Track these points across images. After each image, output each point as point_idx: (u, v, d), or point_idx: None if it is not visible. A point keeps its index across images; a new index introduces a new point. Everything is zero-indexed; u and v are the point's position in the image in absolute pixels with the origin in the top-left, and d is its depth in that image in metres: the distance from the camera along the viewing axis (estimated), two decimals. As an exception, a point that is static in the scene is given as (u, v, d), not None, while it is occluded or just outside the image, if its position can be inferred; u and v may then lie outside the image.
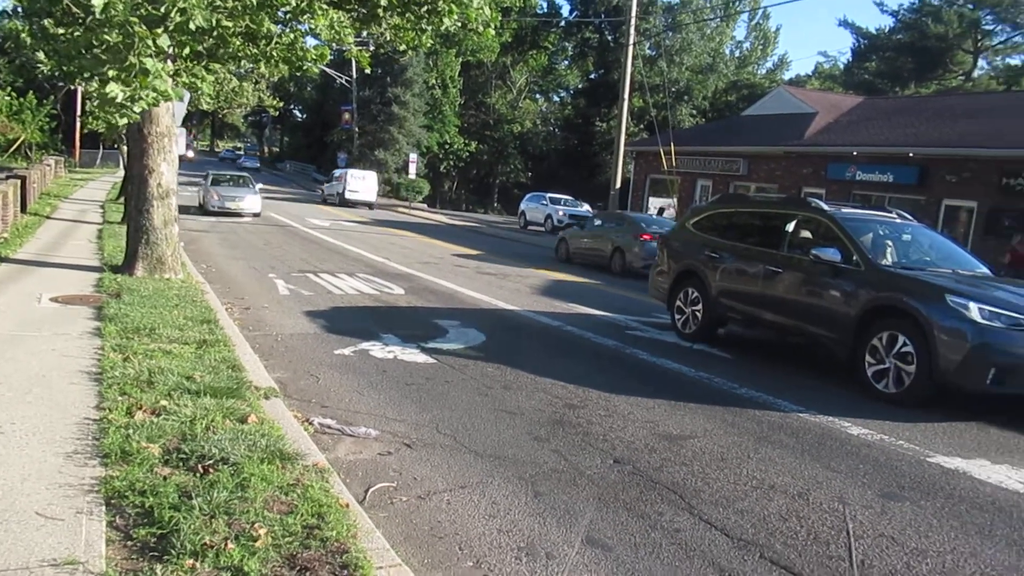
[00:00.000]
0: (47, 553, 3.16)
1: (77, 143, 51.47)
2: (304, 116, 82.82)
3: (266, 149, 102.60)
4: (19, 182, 17.16)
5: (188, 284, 10.21)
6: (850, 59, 58.72)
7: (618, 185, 25.10)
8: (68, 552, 3.18)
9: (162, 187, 10.61)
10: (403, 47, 12.20)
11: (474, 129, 59.68)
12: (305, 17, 10.33)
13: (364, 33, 14.16)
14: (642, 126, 51.33)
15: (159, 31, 8.11)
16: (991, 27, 49.08)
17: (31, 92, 46.11)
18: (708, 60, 56.72)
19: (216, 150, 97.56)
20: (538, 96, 67.52)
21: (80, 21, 9.30)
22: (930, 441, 6.10)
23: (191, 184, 32.98)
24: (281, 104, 57.24)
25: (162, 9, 8.13)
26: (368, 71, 16.43)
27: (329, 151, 60.03)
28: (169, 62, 9.72)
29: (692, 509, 4.51)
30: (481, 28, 10.85)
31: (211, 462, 4.11)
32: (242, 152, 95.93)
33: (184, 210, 20.16)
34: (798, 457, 5.54)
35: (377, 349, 8.16)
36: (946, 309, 6.85)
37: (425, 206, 48.89)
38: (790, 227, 8.86)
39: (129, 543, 3.32)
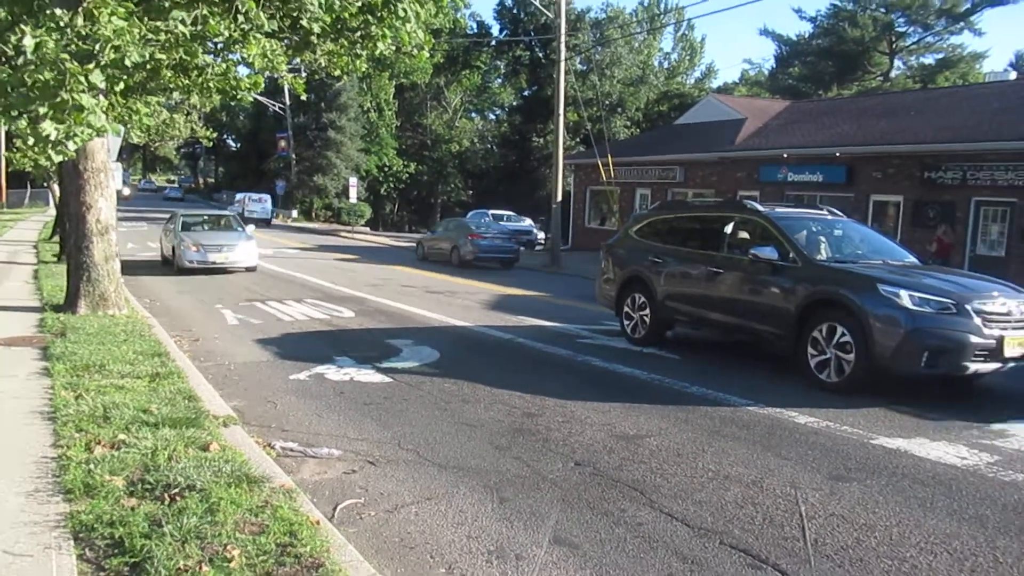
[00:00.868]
0: (20, 589, 3.16)
1: (2, 183, 49.99)
2: (239, 145, 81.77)
3: (201, 180, 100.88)
4: (-53, 226, 16.67)
5: (134, 319, 10.06)
6: (774, 65, 60.55)
7: (559, 199, 25.42)
8: (41, 587, 3.18)
9: (101, 223, 10.46)
10: (337, 72, 12.27)
11: (412, 150, 59.73)
12: (237, 47, 10.33)
13: (297, 60, 14.19)
14: (579, 139, 52.01)
15: (91, 67, 8.06)
16: (904, 29, 51.14)
17: (-48, 134, 44.70)
18: (638, 72, 57.81)
19: (152, 185, 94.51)
20: (474, 115, 67.96)
21: (6, 62, 9.18)
22: (872, 425, 6.39)
23: (137, 224, 31.98)
24: (214, 134, 56.44)
25: (96, 46, 8.09)
26: (303, 97, 16.44)
27: (266, 179, 59.37)
28: (102, 97, 9.63)
29: (653, 503, 4.67)
30: (415, 52, 10.99)
31: (177, 490, 4.12)
32: (176, 184, 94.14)
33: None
34: (750, 448, 5.76)
35: (332, 372, 8.18)
36: (879, 298, 7.19)
37: (368, 229, 48.71)
38: (728, 229, 9.17)
39: (101, 574, 3.33)
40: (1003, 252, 18.50)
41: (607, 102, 52.94)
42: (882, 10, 49.94)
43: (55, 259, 18.05)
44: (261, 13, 8.77)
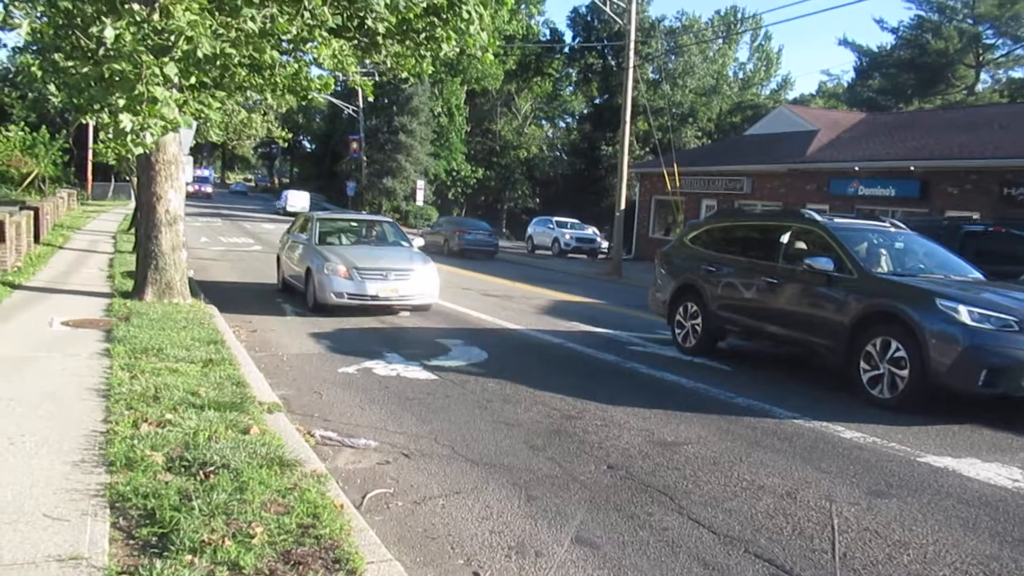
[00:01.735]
0: (53, 550, 3.32)
1: (89, 176, 52.26)
2: (313, 146, 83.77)
3: (276, 180, 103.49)
4: (32, 213, 17.52)
5: (196, 308, 10.40)
6: (853, 77, 59.07)
7: (623, 207, 25.28)
8: (73, 549, 3.33)
9: (170, 213, 10.85)
10: (404, 74, 12.48)
11: (481, 156, 60.20)
12: (308, 47, 10.59)
13: (367, 63, 14.47)
14: (648, 148, 51.68)
15: (166, 60, 8.39)
16: (992, 41, 49.35)
17: (44, 127, 46.92)
18: (711, 82, 57.24)
19: (227, 182, 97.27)
20: (543, 122, 68.09)
21: (89, 54, 9.63)
22: (921, 442, 6.18)
23: (211, 219, 32.58)
24: (290, 135, 57.89)
25: (170, 39, 8.42)
26: (372, 99, 16.76)
27: (338, 180, 60.64)
28: (175, 91, 10.00)
29: (681, 509, 4.61)
30: (479, 53, 11.11)
31: (212, 468, 4.26)
32: (252, 182, 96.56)
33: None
34: (789, 460, 5.64)
35: (380, 367, 8.31)
36: (936, 313, 6.95)
37: (433, 232, 49.19)
38: (784, 239, 8.99)
39: (131, 542, 3.47)
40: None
41: (678, 111, 52.51)
42: (969, 21, 48.27)
43: (131, 250, 18.76)
44: (326, 10, 8.97)
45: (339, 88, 41.80)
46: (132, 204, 34.60)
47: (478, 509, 4.52)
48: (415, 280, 11.94)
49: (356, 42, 11.30)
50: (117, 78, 8.52)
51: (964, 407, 7.23)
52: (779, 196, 26.04)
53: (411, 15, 9.95)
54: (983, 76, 51.63)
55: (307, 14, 9.42)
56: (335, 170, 63.55)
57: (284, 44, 10.56)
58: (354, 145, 54.83)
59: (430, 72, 12.65)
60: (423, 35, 10.71)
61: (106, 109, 9.18)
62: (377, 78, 28.16)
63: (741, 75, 64.99)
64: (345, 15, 9.84)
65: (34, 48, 12.17)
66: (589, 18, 57.05)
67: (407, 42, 11.04)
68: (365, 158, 54.09)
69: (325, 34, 10.15)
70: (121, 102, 8.65)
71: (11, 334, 8.15)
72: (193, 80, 10.08)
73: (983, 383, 6.68)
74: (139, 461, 4.31)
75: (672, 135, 39.04)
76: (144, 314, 9.40)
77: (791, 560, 3.96)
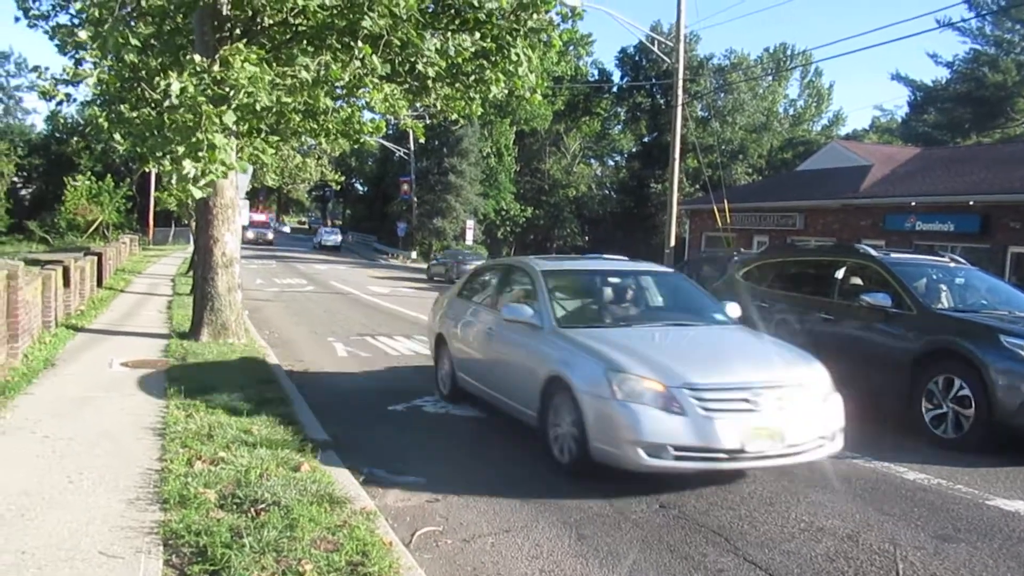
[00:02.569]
0: (107, 586, 3.36)
1: (151, 222, 53.96)
2: (365, 189, 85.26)
3: (330, 222, 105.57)
4: (95, 259, 18.12)
5: (251, 348, 10.58)
6: (907, 112, 58.13)
7: (672, 244, 25.12)
8: (127, 585, 3.37)
9: (226, 256, 11.12)
10: (454, 116, 12.69)
11: (530, 195, 60.59)
12: (360, 92, 10.84)
13: (418, 106, 14.74)
14: (697, 186, 51.44)
15: (224, 108, 8.68)
16: (1052, 73, 48.16)
17: (109, 176, 48.80)
18: (761, 119, 56.90)
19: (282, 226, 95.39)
20: (592, 160, 68.36)
21: (152, 105, 10.01)
22: (990, 485, 5.93)
23: (267, 262, 32.52)
24: (343, 178, 59.10)
25: (228, 90, 8.71)
26: (423, 142, 17.05)
27: (389, 221, 61.54)
28: (232, 138, 10.32)
29: (737, 551, 4.48)
30: (528, 94, 11.24)
31: (263, 505, 4.29)
32: (306, 224, 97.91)
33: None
34: (849, 501, 5.45)
35: (430, 405, 8.31)
36: (1001, 350, 6.71)
37: (483, 272, 49.42)
38: (839, 274, 8.81)
39: (183, 579, 3.49)
40: None
41: (728, 148, 52.28)
42: (1027, 53, 47.31)
43: (188, 292, 19.23)
44: (375, 58, 9.18)
45: (390, 131, 42.65)
46: (191, 248, 35.63)
47: (528, 548, 4.46)
48: (805, 404, 5.75)
49: (407, 86, 11.52)
50: (176, 127, 8.84)
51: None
52: (832, 232, 25.60)
53: (460, 59, 10.12)
54: (1044, 108, 50.33)
55: (358, 62, 9.66)
56: (386, 211, 64.55)
57: (337, 90, 10.83)
58: (405, 186, 55.74)
59: (479, 114, 12.84)
60: (472, 78, 10.89)
61: (167, 156, 9.53)
62: (427, 120, 28.70)
63: (792, 111, 64.51)
64: (396, 61, 10.05)
65: (101, 101, 12.71)
66: (637, 58, 57.40)
67: (456, 85, 11.24)
68: (416, 199, 54.90)
69: (376, 80, 10.40)
70: (181, 149, 8.97)
71: (73, 375, 8.38)
72: (247, 127, 10.40)
73: (1053, 422, 6.40)
74: (192, 499, 4.36)
75: (722, 172, 38.83)
76: (200, 354, 9.60)
77: (853, 605, 3.81)
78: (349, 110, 12.08)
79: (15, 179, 58.48)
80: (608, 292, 7.71)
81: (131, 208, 52.36)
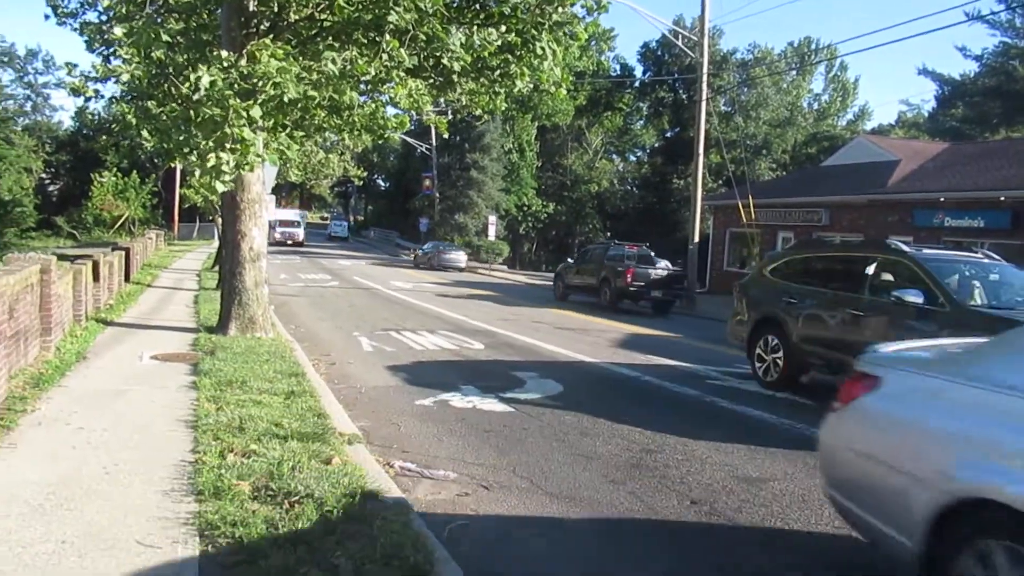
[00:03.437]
0: (146, 576, 3.39)
1: (176, 217, 54.48)
2: (387, 185, 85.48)
3: (352, 218, 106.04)
4: (123, 254, 18.31)
5: (278, 342, 10.64)
6: (934, 106, 57.40)
7: (696, 240, 24.99)
8: (165, 576, 3.40)
9: (253, 250, 11.18)
10: (478, 111, 12.67)
11: (551, 190, 60.48)
12: (385, 87, 10.85)
13: (441, 101, 14.74)
14: (721, 181, 51.12)
15: (251, 103, 8.73)
16: (1084, 66, 47.31)
17: (135, 172, 49.28)
18: (785, 113, 56.42)
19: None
20: (614, 156, 68.11)
21: (180, 100, 10.09)
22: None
23: (290, 257, 32.69)
24: (365, 174, 59.37)
25: (255, 83, 8.77)
26: (446, 136, 17.05)
27: (411, 217, 61.69)
28: (259, 133, 10.37)
29: (770, 548, 4.44)
30: (553, 89, 11.21)
31: (296, 497, 4.31)
32: (328, 220, 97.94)
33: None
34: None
35: (457, 399, 8.33)
36: (1038, 347, 6.60)
37: (505, 267, 49.49)
38: (870, 270, 8.72)
39: (220, 569, 3.51)
40: None
41: (752, 143, 51.89)
42: (1058, 46, 46.53)
43: (214, 287, 19.37)
44: (403, 51, 9.19)
45: (413, 127, 42.75)
46: (215, 243, 35.91)
47: (560, 544, 4.45)
48: None
49: (432, 81, 11.53)
50: (203, 121, 8.90)
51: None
52: (859, 228, 25.33)
53: (485, 53, 10.10)
54: (1075, 101, 49.49)
55: (385, 56, 9.67)
56: (408, 207, 64.70)
57: (362, 85, 10.85)
58: (427, 182, 55.83)
59: (503, 108, 12.82)
60: (497, 72, 10.86)
61: (194, 151, 9.61)
62: (450, 116, 28.67)
63: (816, 106, 63.91)
64: (421, 55, 10.05)
65: (129, 97, 12.83)
66: (659, 53, 57.13)
67: (481, 79, 11.22)
68: (438, 194, 54.99)
69: (402, 74, 10.41)
70: (209, 143, 9.03)
71: (104, 368, 8.47)
72: (272, 123, 10.45)
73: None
74: (227, 490, 4.39)
75: (746, 167, 38.54)
76: (228, 348, 9.66)
77: (891, 603, 3.77)
78: (373, 105, 12.11)
79: (43, 175, 59.25)
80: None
81: (156, 204, 52.93)
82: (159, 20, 10.54)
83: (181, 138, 9.49)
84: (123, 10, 11.29)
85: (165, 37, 9.21)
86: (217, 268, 23.29)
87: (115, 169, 49.68)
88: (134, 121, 11.77)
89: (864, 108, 65.42)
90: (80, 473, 4.74)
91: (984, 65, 50.71)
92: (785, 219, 28.55)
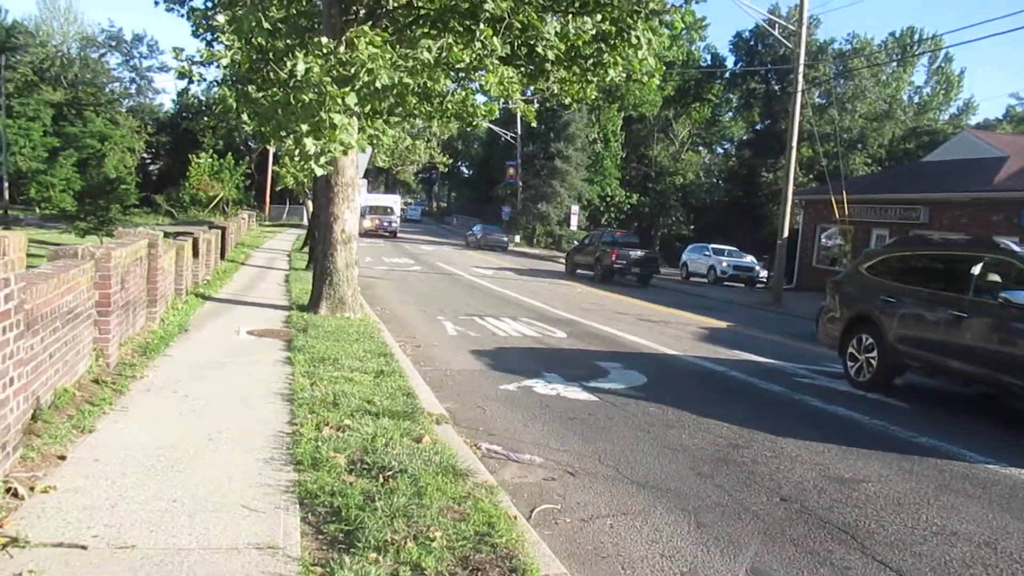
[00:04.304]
0: (252, 539, 3.54)
1: (267, 199, 56.18)
2: (470, 172, 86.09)
3: (435, 204, 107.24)
4: (220, 232, 19.04)
5: (366, 323, 10.89)
6: (1047, 101, 54.39)
7: (785, 235, 24.36)
8: (269, 539, 3.54)
9: (345, 232, 11.46)
10: (568, 100, 12.63)
11: (635, 181, 59.89)
12: (477, 74, 10.92)
13: (529, 89, 14.74)
14: (812, 176, 49.71)
15: (347, 89, 8.93)
16: None
17: (230, 154, 51.01)
18: (884, 107, 54.42)
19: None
20: (701, 148, 66.95)
21: (278, 85, 10.39)
22: None
23: (374, 240, 33.06)
24: (450, 160, 60.00)
25: (352, 70, 8.96)
26: (534, 125, 17.06)
27: (494, 204, 62.00)
28: (354, 118, 10.59)
29: (865, 549, 4.34)
30: (646, 79, 11.09)
31: (391, 472, 4.42)
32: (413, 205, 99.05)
33: None
34: (985, 507, 5.19)
35: (540, 386, 8.37)
36: None
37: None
38: (976, 270, 8.34)
39: (320, 536, 3.65)
40: None
41: (846, 137, 50.25)
42: None
43: (304, 267, 19.93)
44: (496, 40, 9.23)
45: (499, 115, 42.95)
46: (305, 225, 36.94)
47: (647, 532, 4.45)
48: None
49: (523, 69, 11.55)
50: (302, 106, 9.16)
51: None
52: (961, 226, 24.24)
53: (580, 42, 10.06)
54: None
55: (479, 44, 9.74)
56: (491, 195, 65.05)
57: (454, 73, 10.94)
58: (511, 171, 55.95)
59: (593, 97, 12.74)
60: (590, 61, 10.80)
61: (291, 135, 9.89)
62: (536, 105, 28.60)
63: (917, 99, 61.41)
64: (515, 43, 10.08)
65: (231, 81, 13.29)
66: (752, 42, 55.78)
67: (574, 68, 11.17)
68: (521, 183, 55.10)
69: (495, 62, 10.46)
70: (305, 127, 9.29)
71: (204, 341, 8.84)
72: (368, 108, 10.65)
73: None
74: (324, 461, 4.54)
75: (840, 161, 37.33)
76: (319, 326, 9.95)
77: (995, 614, 3.64)
78: (464, 93, 12.22)
79: (144, 155, 61.82)
80: None
81: (249, 185, 54.64)
82: (261, 6, 10.87)
83: (279, 122, 9.80)
84: (228, -3, 11.71)
85: (266, 24, 9.48)
86: (306, 249, 23.96)
87: (211, 151, 51.51)
88: (235, 104, 12.20)
89: (969, 102, 62.56)
90: (186, 439, 4.97)
91: (1104, 58, 47.71)
92: (881, 216, 27.55)
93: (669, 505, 4.89)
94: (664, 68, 11.65)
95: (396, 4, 10.66)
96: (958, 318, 8.22)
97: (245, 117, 13.28)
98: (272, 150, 35.82)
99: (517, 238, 54.14)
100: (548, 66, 10.92)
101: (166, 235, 13.72)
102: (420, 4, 10.58)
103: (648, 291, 25.08)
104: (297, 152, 9.77)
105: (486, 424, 6.69)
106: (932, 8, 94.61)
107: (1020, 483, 5.80)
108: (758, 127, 58.83)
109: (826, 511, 4.94)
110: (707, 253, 35.11)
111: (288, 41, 11.30)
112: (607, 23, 10.09)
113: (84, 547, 3.31)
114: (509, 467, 5.51)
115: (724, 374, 10.12)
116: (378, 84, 9.02)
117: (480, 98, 13.42)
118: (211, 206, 50.10)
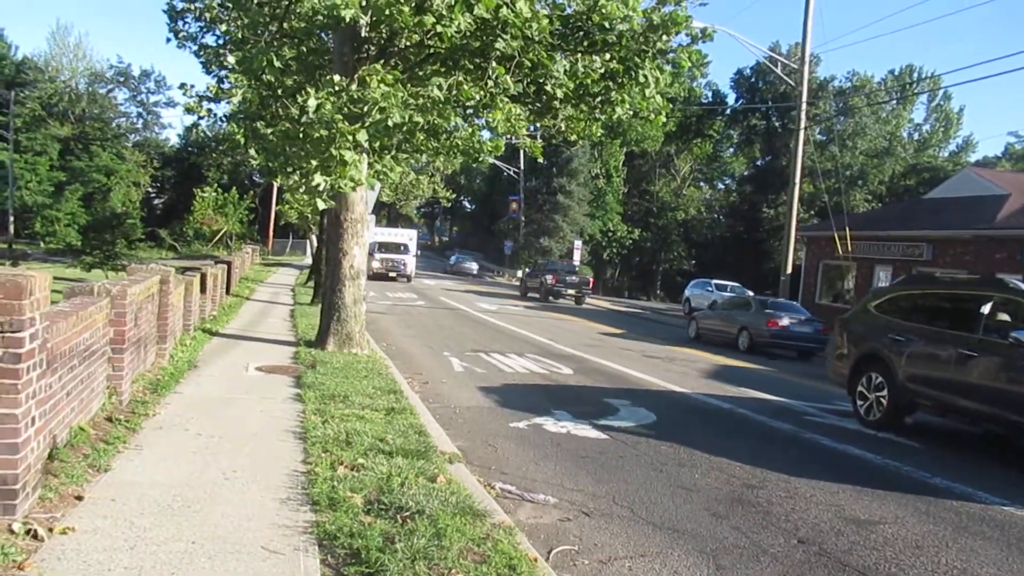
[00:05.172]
0: (273, 581, 3.51)
1: (271, 233, 56.40)
2: (473, 206, 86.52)
3: (436, 238, 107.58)
4: (226, 267, 19.08)
5: (373, 359, 10.89)
6: (1046, 139, 54.80)
7: (788, 271, 24.43)
8: (290, 582, 3.52)
9: (354, 268, 11.50)
10: (574, 137, 12.76)
11: (637, 216, 60.16)
12: (485, 111, 11.04)
13: (535, 126, 14.88)
14: (813, 211, 49.92)
15: (358, 126, 9.02)
16: None
17: (234, 188, 51.36)
18: (884, 143, 54.80)
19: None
20: (702, 183, 67.34)
21: (288, 121, 10.50)
22: None
23: None
24: (453, 195, 60.31)
25: (364, 108, 9.06)
26: (539, 160, 17.20)
27: (496, 239, 62.22)
28: (364, 155, 10.69)
29: (886, 593, 4.30)
30: (652, 116, 11.20)
31: (408, 513, 4.40)
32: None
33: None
34: (1004, 549, 5.15)
35: (550, 424, 8.34)
36: None
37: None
38: (986, 309, 8.36)
39: (341, 579, 3.62)
40: None
41: (848, 173, 50.55)
42: None
43: (309, 302, 19.95)
44: (508, 78, 9.34)
45: (503, 150, 43.28)
46: (308, 259, 36.98)
47: (666, 574, 4.41)
48: None
49: (531, 107, 11.68)
50: (312, 142, 9.25)
51: None
52: (964, 264, 24.29)
53: (588, 80, 10.18)
54: None
55: (490, 82, 9.86)
56: (493, 229, 65.31)
57: (463, 110, 11.06)
58: (513, 205, 56.28)
59: (599, 135, 12.86)
60: (598, 99, 10.91)
61: (298, 170, 9.98)
62: (541, 142, 28.81)
63: (917, 136, 61.87)
64: (525, 81, 10.20)
65: (240, 117, 13.45)
66: (753, 79, 56.37)
67: (582, 106, 11.28)
68: (523, 218, 55.36)
69: (505, 99, 10.58)
70: (315, 163, 9.38)
71: (214, 377, 8.83)
72: (377, 145, 10.75)
73: None
74: (341, 502, 4.52)
75: (841, 198, 37.50)
76: (327, 362, 9.94)
77: (1023, 661, 3.60)
78: (470, 129, 12.35)
79: (149, 189, 62.21)
80: None
81: (252, 219, 54.87)
82: (274, 45, 11.01)
83: (286, 157, 9.89)
84: (240, 35, 11.86)
85: (277, 64, 9.59)
86: (311, 284, 24.01)
87: (216, 185, 51.84)
88: (243, 140, 12.31)
89: (968, 139, 62.93)
90: (202, 477, 4.95)
91: (1101, 97, 48.18)
92: (883, 253, 27.60)
93: (687, 547, 4.86)
94: (669, 105, 11.76)
95: (408, 43, 10.80)
96: (968, 357, 8.22)
97: (253, 152, 13.42)
98: (277, 184, 36.02)
99: (519, 273, 54.23)
100: (556, 104, 11.03)
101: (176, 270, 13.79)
102: (431, 43, 10.72)
103: (650, 326, 25.05)
104: (303, 187, 9.86)
105: (498, 463, 6.66)
106: (930, 46, 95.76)
107: (1038, 525, 5.76)
108: (759, 163, 59.22)
109: (845, 554, 4.90)
110: (710, 289, 35.12)
111: (298, 78, 11.44)
112: (615, 62, 10.22)
113: (105, 590, 3.28)
114: (524, 507, 5.48)
115: (732, 411, 10.09)
116: (390, 122, 9.10)
117: (486, 134, 13.57)
118: (215, 240, 50.27)
